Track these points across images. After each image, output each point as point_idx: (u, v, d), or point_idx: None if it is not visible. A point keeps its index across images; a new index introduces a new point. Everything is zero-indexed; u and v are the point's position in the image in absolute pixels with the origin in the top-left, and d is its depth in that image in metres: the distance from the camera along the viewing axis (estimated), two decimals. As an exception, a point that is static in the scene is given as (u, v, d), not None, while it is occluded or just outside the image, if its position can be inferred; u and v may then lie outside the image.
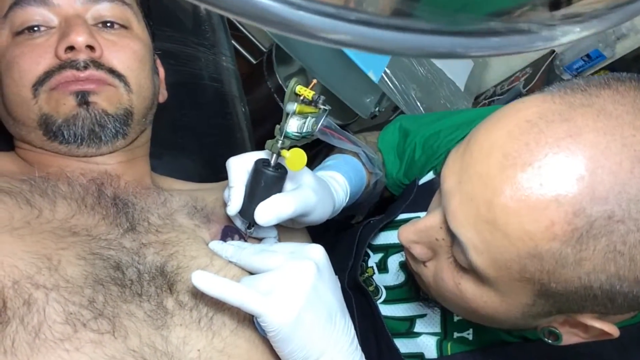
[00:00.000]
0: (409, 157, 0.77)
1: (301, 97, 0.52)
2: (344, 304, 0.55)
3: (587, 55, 1.45)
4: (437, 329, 0.62)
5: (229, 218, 0.62)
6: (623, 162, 0.38)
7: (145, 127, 0.66)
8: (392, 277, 0.68)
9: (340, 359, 0.51)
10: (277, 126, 0.54)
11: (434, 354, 0.61)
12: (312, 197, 0.57)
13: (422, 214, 0.54)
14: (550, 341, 0.48)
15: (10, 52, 0.57)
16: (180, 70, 0.92)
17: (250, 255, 0.55)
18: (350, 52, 1.14)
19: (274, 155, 0.55)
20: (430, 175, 0.72)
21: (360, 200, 0.75)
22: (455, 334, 0.60)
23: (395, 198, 0.80)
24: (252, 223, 0.58)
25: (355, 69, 1.19)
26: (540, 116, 0.41)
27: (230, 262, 0.57)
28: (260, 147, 0.60)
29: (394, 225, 0.70)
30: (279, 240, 0.64)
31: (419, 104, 1.34)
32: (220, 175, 0.66)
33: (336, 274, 0.57)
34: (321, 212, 0.60)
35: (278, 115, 0.54)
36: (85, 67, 0.56)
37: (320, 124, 0.53)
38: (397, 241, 0.54)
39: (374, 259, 0.72)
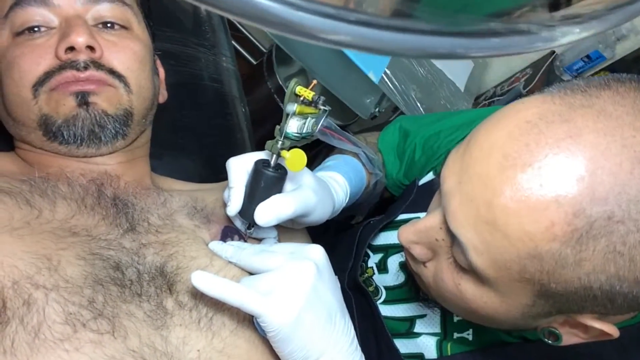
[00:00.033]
0: (409, 158, 0.77)
1: (301, 98, 0.52)
2: (344, 305, 0.55)
3: (587, 56, 1.45)
4: (437, 330, 0.62)
5: (228, 218, 0.62)
6: (623, 163, 0.38)
7: (145, 127, 0.66)
8: (392, 277, 0.68)
9: (340, 359, 0.51)
10: (277, 127, 0.54)
11: (434, 355, 0.61)
12: (312, 197, 0.57)
13: (422, 215, 0.54)
14: (550, 342, 0.48)
15: (10, 53, 0.57)
16: (181, 70, 0.92)
17: (250, 256, 0.55)
18: (350, 53, 1.13)
19: (274, 155, 0.55)
20: (430, 176, 0.72)
21: (360, 201, 0.75)
22: (455, 335, 0.61)
23: (395, 198, 0.80)
24: (252, 223, 0.58)
25: (355, 70, 1.19)
26: (540, 117, 0.41)
27: (230, 262, 0.57)
28: (260, 147, 0.60)
29: (394, 225, 0.70)
30: (279, 240, 0.64)
31: (419, 104, 1.34)
32: (220, 175, 0.66)
33: (336, 274, 0.57)
34: (321, 212, 0.60)
35: (278, 116, 0.54)
36: (86, 68, 0.56)
37: (320, 124, 0.53)
38: (397, 241, 0.54)
39: (373, 260, 0.72)
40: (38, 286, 0.45)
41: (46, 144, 0.58)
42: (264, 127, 1.12)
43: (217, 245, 0.58)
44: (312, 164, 0.64)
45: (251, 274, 0.55)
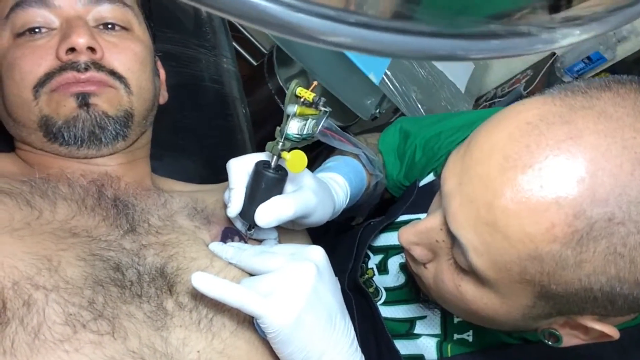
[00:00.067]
0: (409, 159, 0.77)
1: (302, 99, 0.52)
2: (344, 306, 0.55)
3: (588, 58, 1.45)
4: (437, 331, 0.62)
5: (229, 219, 0.62)
6: (623, 165, 0.38)
7: (146, 128, 0.66)
8: (392, 278, 0.68)
9: (340, 361, 0.51)
10: (278, 128, 0.54)
11: (434, 356, 0.61)
12: (312, 198, 0.57)
13: (422, 216, 0.54)
14: (550, 343, 0.48)
15: (11, 54, 0.57)
16: (181, 71, 0.92)
17: (251, 257, 0.55)
18: (351, 54, 1.14)
19: (275, 157, 0.55)
20: (430, 177, 0.72)
21: (360, 202, 0.75)
22: (455, 336, 0.60)
23: (396, 199, 0.80)
24: (252, 225, 0.58)
25: (356, 71, 1.19)
26: (540, 118, 0.41)
27: (230, 263, 0.57)
28: (260, 148, 0.60)
29: (394, 226, 0.70)
30: (279, 241, 0.64)
31: (419, 105, 1.34)
32: (220, 176, 0.66)
33: (336, 275, 0.57)
34: (321, 213, 0.60)
35: (279, 117, 0.54)
36: (86, 69, 0.56)
37: (320, 125, 0.53)
38: (397, 243, 0.54)
39: (374, 261, 0.72)
40: (38, 287, 0.45)
41: (46, 145, 0.58)
42: (264, 128, 1.12)
43: (217, 247, 0.58)
44: (312, 165, 0.64)
45: (251, 275, 0.55)
